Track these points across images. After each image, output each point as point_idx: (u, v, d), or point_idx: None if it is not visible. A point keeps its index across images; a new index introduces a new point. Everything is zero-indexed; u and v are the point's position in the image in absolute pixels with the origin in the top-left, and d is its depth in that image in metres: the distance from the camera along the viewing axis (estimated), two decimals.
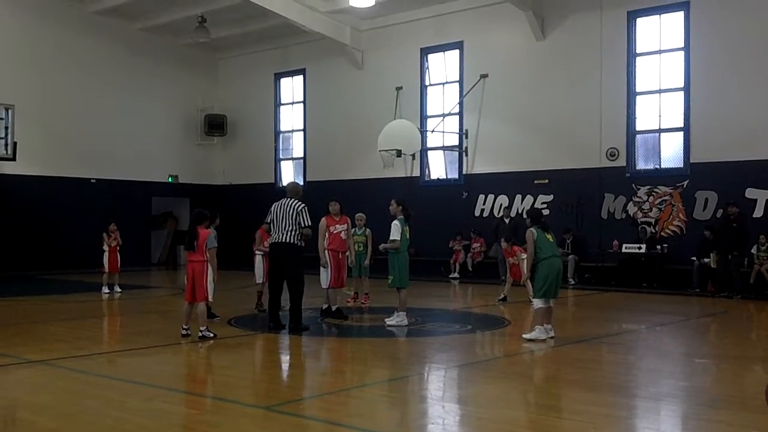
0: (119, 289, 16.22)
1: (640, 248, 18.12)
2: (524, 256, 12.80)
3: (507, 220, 19.86)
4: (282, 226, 10.61)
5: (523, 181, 20.43)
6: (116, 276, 16.33)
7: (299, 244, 10.67)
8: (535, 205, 19.82)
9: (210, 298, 9.95)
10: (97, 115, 24.08)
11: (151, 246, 26.41)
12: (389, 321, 11.32)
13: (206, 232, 9.86)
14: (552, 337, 9.88)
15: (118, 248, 16.33)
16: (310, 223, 10.70)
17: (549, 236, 10.08)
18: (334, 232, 12.16)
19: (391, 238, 11.17)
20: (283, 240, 10.60)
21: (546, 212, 19.47)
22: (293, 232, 10.58)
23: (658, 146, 19.04)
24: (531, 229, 10.03)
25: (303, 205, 10.69)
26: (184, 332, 9.93)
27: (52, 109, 23.01)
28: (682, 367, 8.88)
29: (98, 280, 16.56)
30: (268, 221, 10.87)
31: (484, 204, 21.31)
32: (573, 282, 18.73)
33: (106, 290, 16.01)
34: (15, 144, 20.18)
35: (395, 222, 11.22)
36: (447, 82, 22.61)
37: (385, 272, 11.44)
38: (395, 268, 11.22)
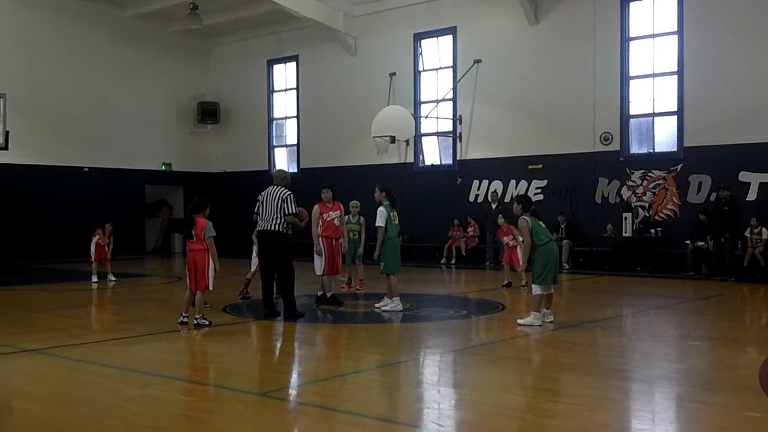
0: (113, 278, 16.17)
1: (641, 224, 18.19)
2: (521, 238, 12.81)
3: (494, 206, 19.87)
4: (268, 214, 10.55)
5: (517, 166, 20.43)
6: (108, 265, 16.28)
7: (285, 232, 10.59)
8: (530, 190, 19.90)
9: (211, 287, 9.91)
10: (89, 103, 23.98)
11: (145, 234, 26.35)
12: (384, 307, 11.35)
13: (204, 221, 9.82)
14: (551, 322, 9.91)
15: (107, 244, 16.28)
16: (294, 211, 10.56)
17: (541, 222, 10.10)
18: (328, 219, 12.15)
19: (377, 224, 11.25)
20: (269, 228, 10.54)
21: (540, 197, 19.55)
22: (278, 221, 10.50)
23: (651, 130, 19.03)
24: (524, 216, 10.01)
25: (289, 192, 10.60)
26: (182, 319, 9.92)
27: (43, 97, 22.91)
28: (677, 349, 8.91)
29: (91, 269, 16.46)
30: (256, 211, 10.83)
31: (478, 189, 21.31)
32: (567, 266, 18.76)
33: (95, 279, 15.93)
34: (7, 133, 20.04)
35: (380, 209, 11.31)
36: (440, 68, 22.54)
37: (372, 259, 11.52)
38: (386, 254, 11.26)
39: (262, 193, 10.78)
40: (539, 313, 9.86)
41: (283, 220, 10.51)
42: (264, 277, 10.84)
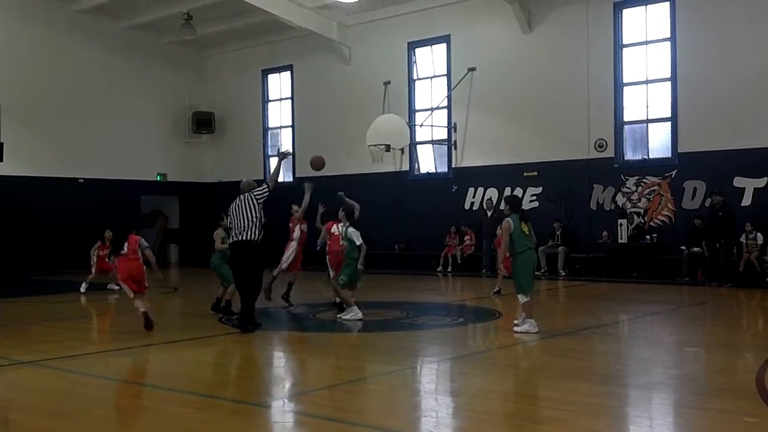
0: (116, 286, 16.08)
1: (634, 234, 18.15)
2: None
3: (489, 213, 19.89)
4: (239, 225, 10.18)
5: (513, 173, 20.45)
6: (111, 274, 16.22)
7: (258, 240, 10.22)
8: (525, 198, 19.85)
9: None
10: (84, 114, 23.96)
11: None
12: (344, 316, 11.23)
13: (137, 237, 10.46)
14: (516, 326, 10.00)
15: (107, 256, 16.21)
16: (268, 185, 10.44)
17: (525, 227, 10.03)
18: (335, 234, 12.32)
19: (357, 243, 11.22)
20: (242, 239, 10.16)
21: (535, 204, 19.59)
22: (251, 230, 10.13)
23: (646, 136, 19.09)
24: (508, 218, 9.99)
25: (255, 191, 10.37)
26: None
27: (38, 109, 22.90)
28: (673, 355, 8.91)
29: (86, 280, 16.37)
30: (229, 226, 10.58)
31: (473, 197, 21.34)
32: (563, 273, 18.77)
33: (83, 288, 15.85)
34: (2, 145, 20.05)
35: (352, 229, 11.32)
36: (435, 76, 22.58)
37: (370, 268, 11.53)
38: (349, 270, 11.26)
39: (231, 206, 10.47)
40: (533, 320, 9.87)
41: (255, 228, 10.14)
42: (240, 289, 10.49)
